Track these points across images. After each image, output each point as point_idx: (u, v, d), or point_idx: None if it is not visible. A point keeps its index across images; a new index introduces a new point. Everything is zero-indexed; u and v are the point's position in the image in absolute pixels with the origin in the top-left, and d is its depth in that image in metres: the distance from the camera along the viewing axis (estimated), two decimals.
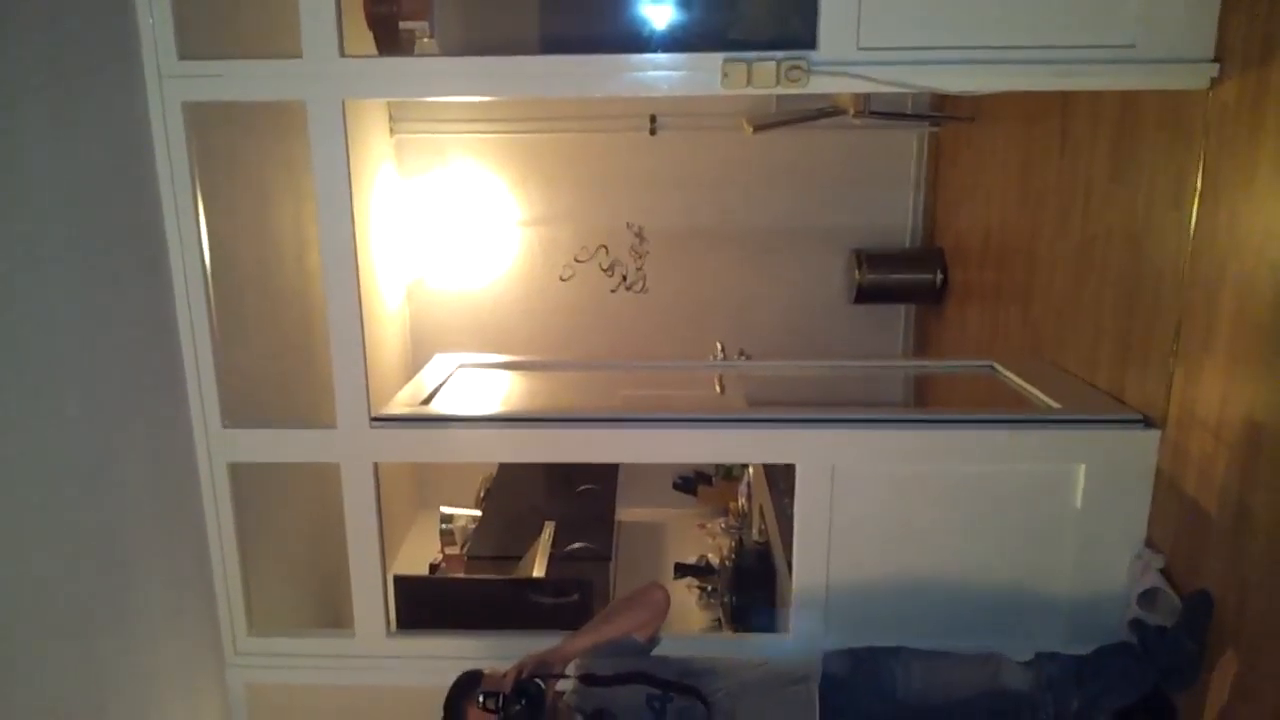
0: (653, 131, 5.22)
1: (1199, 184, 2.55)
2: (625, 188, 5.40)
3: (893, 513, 2.85)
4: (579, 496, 5.07)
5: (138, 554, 2.69)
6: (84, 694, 2.46)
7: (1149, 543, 2.75)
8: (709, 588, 4.55)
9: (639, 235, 5.42)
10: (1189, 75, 2.44)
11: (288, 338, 3.77)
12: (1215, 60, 2.43)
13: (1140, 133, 2.90)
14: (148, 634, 2.75)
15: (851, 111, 4.38)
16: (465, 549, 4.72)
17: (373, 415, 2.92)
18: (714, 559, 4.63)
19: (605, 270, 5.47)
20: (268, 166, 3.69)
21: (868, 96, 4.31)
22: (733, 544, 4.53)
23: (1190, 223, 2.58)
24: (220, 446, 2.95)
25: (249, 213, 3.56)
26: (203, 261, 2.80)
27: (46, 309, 2.28)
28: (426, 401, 3.23)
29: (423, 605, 3.57)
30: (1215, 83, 2.45)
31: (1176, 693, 2.55)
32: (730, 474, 5.37)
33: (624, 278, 5.48)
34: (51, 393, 2.31)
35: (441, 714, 2.42)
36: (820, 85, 2.42)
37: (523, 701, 2.32)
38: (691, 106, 5.18)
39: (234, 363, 3.02)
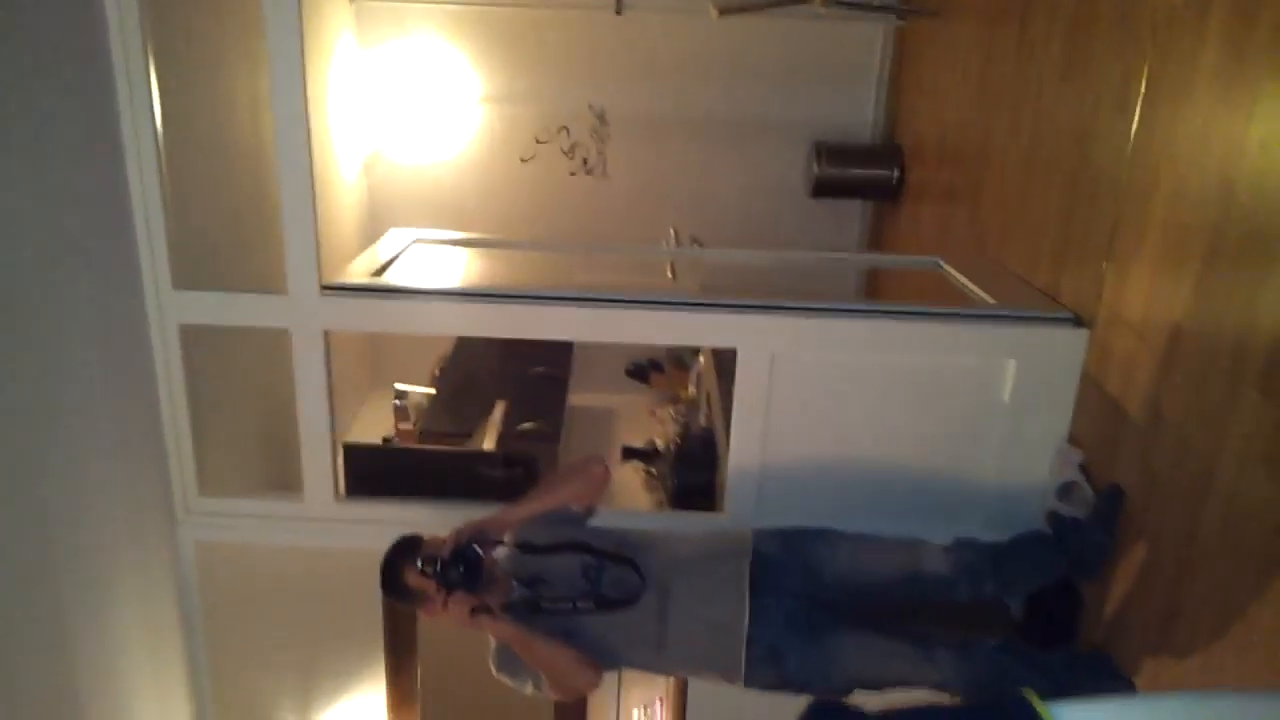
0: (618, 11, 5.14)
1: (1143, 88, 2.59)
2: (589, 69, 5.34)
3: (828, 400, 2.94)
4: (532, 379, 5.14)
5: (87, 410, 2.73)
6: (32, 546, 2.52)
7: (1071, 438, 2.87)
8: (654, 471, 4.66)
9: (601, 118, 5.38)
10: None
11: (242, 203, 3.75)
12: None
13: (1093, 33, 2.92)
14: (98, 489, 2.80)
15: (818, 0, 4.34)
16: (418, 425, 4.79)
17: (323, 284, 2.94)
18: (661, 444, 4.74)
19: (566, 153, 5.44)
20: (223, 30, 3.62)
21: None
22: (679, 429, 4.63)
23: (1132, 127, 2.63)
24: (171, 307, 2.97)
25: (203, 75, 3.51)
26: (154, 123, 2.78)
27: None
28: (379, 273, 3.25)
29: (371, 474, 3.65)
30: None
31: (1086, 581, 2.69)
32: (682, 362, 5.45)
33: (584, 161, 5.46)
34: None
35: (380, 576, 2.52)
36: None
37: (460, 567, 2.40)
38: None
39: (187, 226, 3.02)
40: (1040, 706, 1.33)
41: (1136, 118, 2.62)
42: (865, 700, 1.91)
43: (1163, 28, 2.51)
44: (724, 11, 4.57)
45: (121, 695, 2.98)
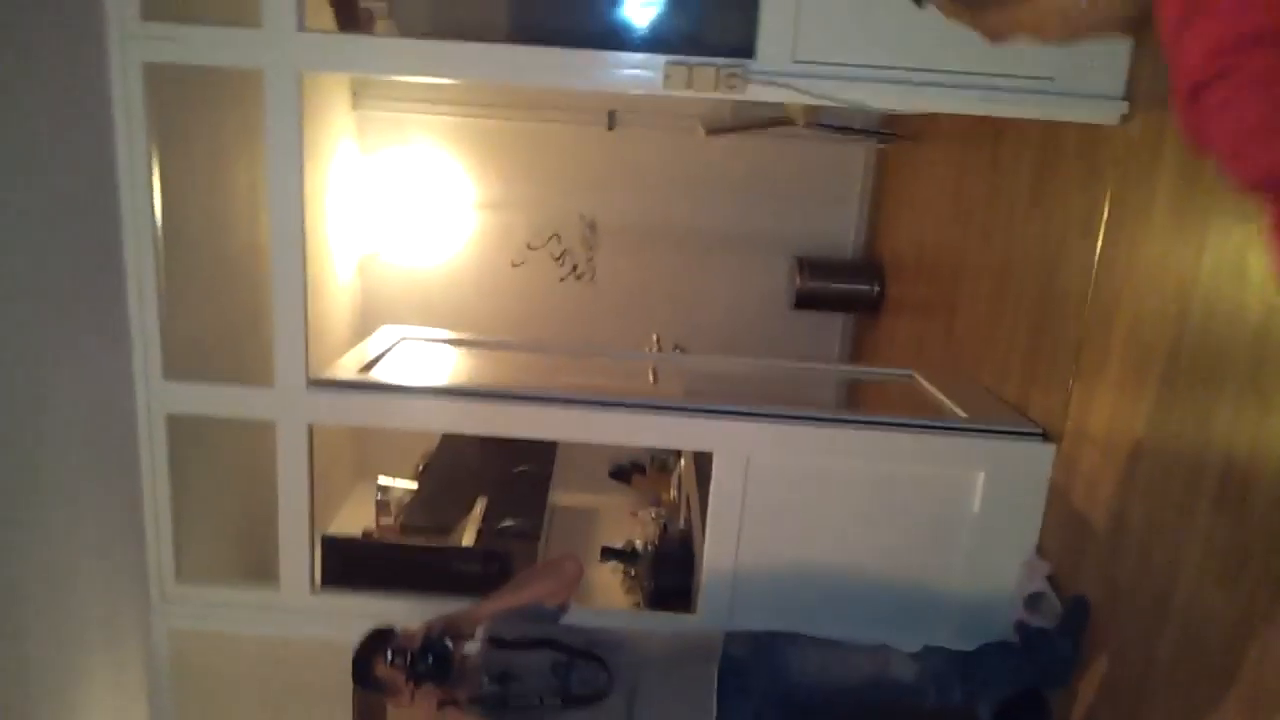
0: (610, 126, 5.34)
1: (1105, 214, 2.72)
2: (581, 179, 5.51)
3: (802, 505, 2.99)
4: (515, 477, 5.17)
5: (69, 494, 2.77)
6: (5, 626, 2.54)
7: (1039, 549, 2.92)
8: (633, 571, 4.67)
9: (591, 227, 5.53)
10: (1100, 110, 2.61)
11: (236, 297, 3.84)
12: (1125, 99, 2.60)
13: (1059, 162, 3.07)
14: (71, 571, 2.82)
15: (801, 122, 4.53)
16: (399, 519, 4.81)
17: (311, 377, 3.01)
18: (640, 544, 4.76)
19: (556, 259, 5.58)
20: (225, 129, 3.76)
21: (817, 110, 4.46)
22: (659, 531, 4.66)
23: (1096, 250, 2.75)
24: (160, 397, 3.03)
25: (203, 173, 3.63)
26: (153, 216, 2.89)
27: None
28: (367, 369, 3.33)
29: (349, 567, 3.66)
30: (1125, 119, 2.62)
31: (1052, 690, 2.71)
32: (665, 466, 5.50)
33: (574, 267, 5.60)
34: None
35: (351, 667, 2.53)
36: (757, 94, 2.55)
37: (429, 659, 2.43)
38: (650, 105, 5.30)
39: (180, 317, 3.10)
40: None
41: (1100, 241, 2.74)
42: None
43: (1122, 160, 2.65)
44: (711, 131, 4.76)
45: None
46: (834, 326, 5.73)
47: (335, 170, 5.13)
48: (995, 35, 1.21)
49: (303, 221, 2.89)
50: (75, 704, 2.85)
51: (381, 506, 4.91)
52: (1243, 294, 2.11)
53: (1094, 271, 2.76)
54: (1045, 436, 2.92)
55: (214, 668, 3.36)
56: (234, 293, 3.84)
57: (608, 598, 4.68)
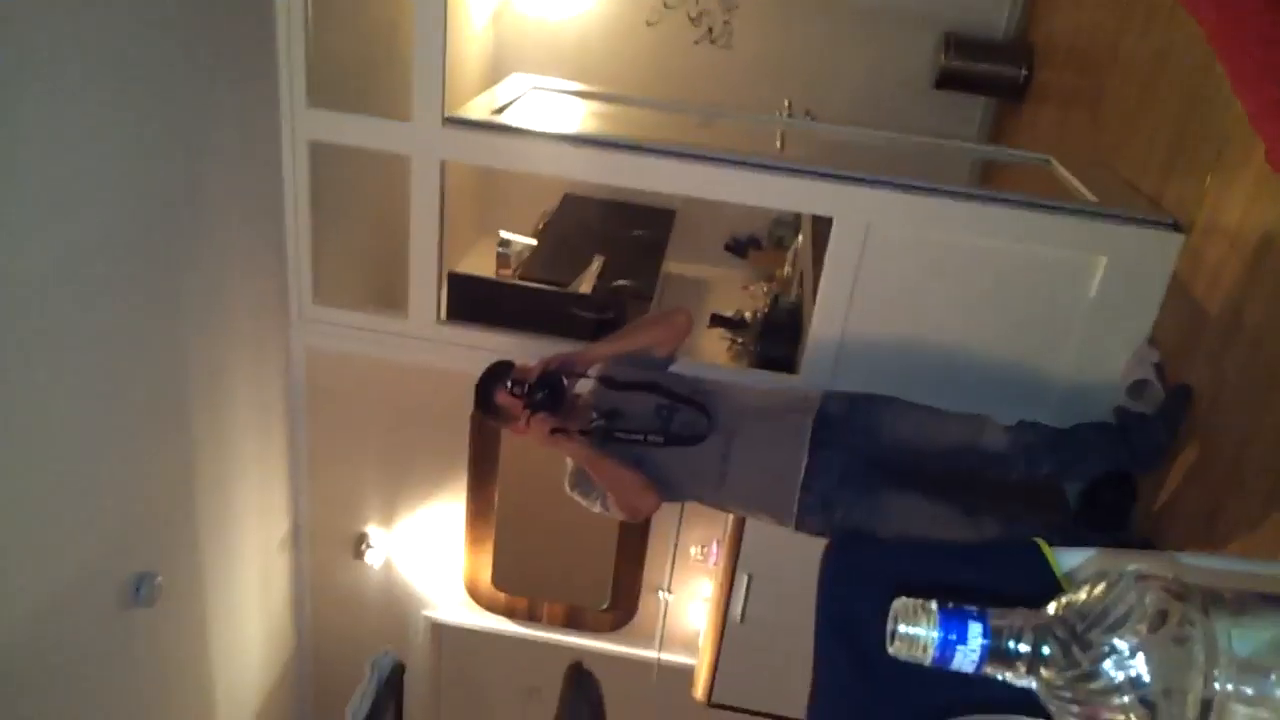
0: None
1: None
2: None
3: (917, 278, 3.01)
4: (632, 240, 5.27)
5: (221, 211, 2.96)
6: (165, 330, 2.78)
7: (1151, 339, 2.90)
8: (740, 339, 4.78)
9: None
10: None
11: (378, 31, 3.90)
12: None
13: None
14: (223, 285, 3.05)
15: None
16: (518, 272, 4.98)
17: (446, 115, 3.09)
18: (749, 315, 4.85)
19: (692, 20, 5.45)
20: None
21: None
22: (768, 303, 4.73)
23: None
24: (303, 123, 3.16)
25: None
26: None
27: None
28: (498, 112, 3.38)
29: (473, 303, 3.84)
30: None
31: (1142, 474, 2.76)
32: (781, 242, 5.51)
33: (710, 30, 5.46)
34: (147, 60, 2.51)
35: (474, 394, 2.72)
36: None
37: (544, 390, 2.59)
38: None
39: (325, 47, 3.18)
40: (1049, 554, 1.42)
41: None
42: None
43: None
44: None
45: (228, 474, 3.28)
46: (974, 110, 5.51)
47: None
48: None
49: None
50: (222, 406, 3.15)
51: (502, 259, 5.06)
52: None
53: None
54: (1175, 226, 2.85)
55: (344, 388, 3.64)
56: (376, 26, 3.89)
57: (715, 361, 4.82)
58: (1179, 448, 2.63)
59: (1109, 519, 2.79)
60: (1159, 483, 2.70)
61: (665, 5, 5.43)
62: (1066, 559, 1.36)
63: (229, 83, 2.90)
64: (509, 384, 2.62)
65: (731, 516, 3.34)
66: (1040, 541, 1.40)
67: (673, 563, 3.85)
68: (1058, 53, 4.61)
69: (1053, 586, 1.32)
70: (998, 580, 1.34)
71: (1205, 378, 2.59)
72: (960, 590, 0.94)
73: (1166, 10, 3.29)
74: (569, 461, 2.72)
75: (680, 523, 3.72)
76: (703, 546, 3.78)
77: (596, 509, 2.70)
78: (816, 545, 2.55)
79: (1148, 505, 2.74)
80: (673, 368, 2.81)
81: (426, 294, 3.34)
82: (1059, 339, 2.99)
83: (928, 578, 1.46)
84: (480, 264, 5.43)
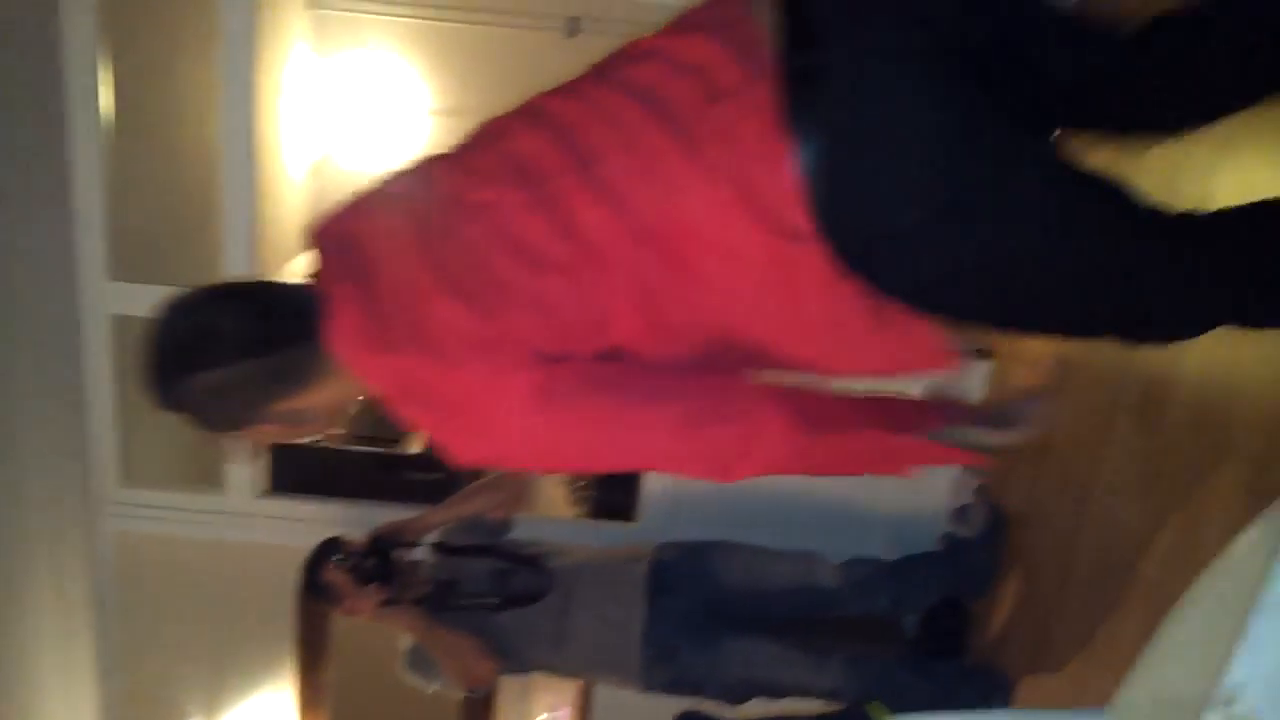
0: (570, 34, 5.25)
1: None
2: (538, 88, 5.43)
3: None
4: None
5: (12, 397, 2.77)
6: None
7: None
8: (580, 483, 4.74)
9: None
10: None
11: (185, 197, 3.79)
12: None
13: None
14: (19, 475, 2.83)
15: None
16: (349, 428, 4.83)
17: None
18: None
19: None
20: (178, 23, 3.68)
21: None
22: None
23: None
24: (105, 298, 3.01)
25: (155, 68, 3.57)
26: (99, 111, 2.83)
27: None
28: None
29: (296, 471, 3.68)
30: None
31: (974, 600, 2.82)
32: None
33: None
34: None
35: (300, 574, 2.59)
36: None
37: (374, 561, 2.48)
38: (612, 12, 5.21)
39: (126, 218, 3.06)
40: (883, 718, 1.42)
41: None
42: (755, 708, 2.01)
43: None
44: None
45: (29, 682, 2.99)
46: None
47: (289, 71, 5.04)
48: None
49: (253, 120, 2.86)
50: (22, 605, 2.89)
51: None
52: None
53: None
54: (979, 353, 2.98)
55: (158, 572, 3.40)
56: (183, 192, 3.79)
57: (553, 507, 4.75)
58: (1008, 570, 2.70)
59: (946, 647, 2.83)
60: (992, 605, 2.76)
61: None
62: None
63: (17, 255, 2.75)
64: (335, 559, 2.51)
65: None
66: (874, 709, 1.40)
67: None
68: None
69: None
70: None
71: (1022, 500, 2.68)
72: None
73: None
74: (402, 644, 2.62)
75: (527, 693, 3.60)
76: (551, 713, 3.65)
77: (434, 688, 2.59)
78: (668, 706, 2.52)
79: (984, 630, 2.79)
80: (511, 530, 2.76)
81: (244, 466, 3.19)
82: None
83: None
84: None
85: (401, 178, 1.46)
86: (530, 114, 1.35)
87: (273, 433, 1.40)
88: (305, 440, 1.52)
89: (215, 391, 1.30)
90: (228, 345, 1.30)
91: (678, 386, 1.28)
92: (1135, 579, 2.14)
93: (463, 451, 1.30)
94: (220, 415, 1.35)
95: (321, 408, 1.36)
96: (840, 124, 1.14)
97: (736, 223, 1.17)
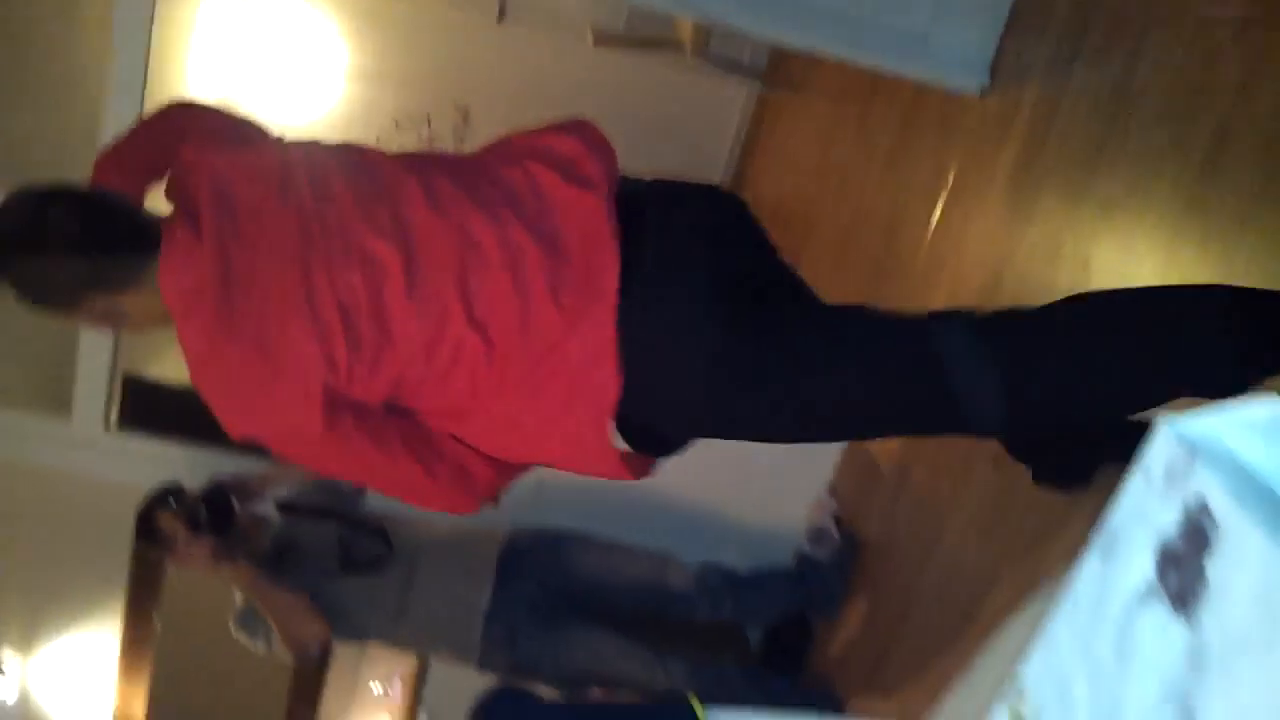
0: (500, 17, 5.22)
1: (950, 183, 2.82)
2: (460, 67, 5.37)
3: None
4: None
5: None
6: None
7: (831, 489, 3.05)
8: None
9: (464, 117, 5.41)
10: (962, 78, 2.68)
11: (70, 114, 3.62)
12: (989, 74, 2.68)
13: (921, 128, 3.16)
14: None
15: (689, 51, 4.52)
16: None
17: None
18: None
19: (423, 143, 5.44)
20: None
21: (708, 38, 4.46)
22: None
23: (933, 218, 2.86)
24: None
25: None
26: None
27: None
28: None
29: (152, 407, 3.53)
30: (984, 93, 2.71)
31: (821, 620, 2.87)
32: None
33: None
34: None
35: (135, 519, 2.49)
36: None
37: (210, 511, 2.39)
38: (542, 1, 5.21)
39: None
40: (701, 712, 1.45)
41: (939, 210, 2.84)
42: None
43: (975, 132, 2.75)
44: (600, 42, 4.71)
45: None
46: None
47: (203, 8, 4.88)
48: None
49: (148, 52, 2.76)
50: None
51: None
52: (1053, 272, 2.23)
53: (928, 238, 2.87)
54: None
55: None
56: (69, 108, 3.62)
57: None
58: (854, 593, 2.75)
59: (787, 661, 2.87)
60: (836, 627, 2.80)
61: (396, 125, 5.41)
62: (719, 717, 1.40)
63: None
64: (172, 505, 2.41)
65: None
66: (693, 702, 1.42)
67: (352, 701, 3.61)
68: (762, 218, 4.92)
69: None
70: None
71: (878, 530, 2.74)
72: None
73: (858, 183, 3.59)
74: (237, 598, 2.53)
75: (360, 661, 3.51)
76: (383, 680, 3.57)
77: (261, 651, 2.51)
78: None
79: (825, 648, 2.83)
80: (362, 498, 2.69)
81: (95, 398, 3.05)
82: (748, 483, 3.08)
83: None
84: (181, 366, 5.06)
85: (307, 168, 1.59)
86: (426, 189, 1.50)
87: (92, 322, 1.55)
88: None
89: (39, 278, 1.44)
90: (56, 240, 1.41)
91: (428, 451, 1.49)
92: (975, 616, 2.20)
93: (235, 428, 1.47)
94: (40, 299, 1.48)
95: (136, 313, 1.50)
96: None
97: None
